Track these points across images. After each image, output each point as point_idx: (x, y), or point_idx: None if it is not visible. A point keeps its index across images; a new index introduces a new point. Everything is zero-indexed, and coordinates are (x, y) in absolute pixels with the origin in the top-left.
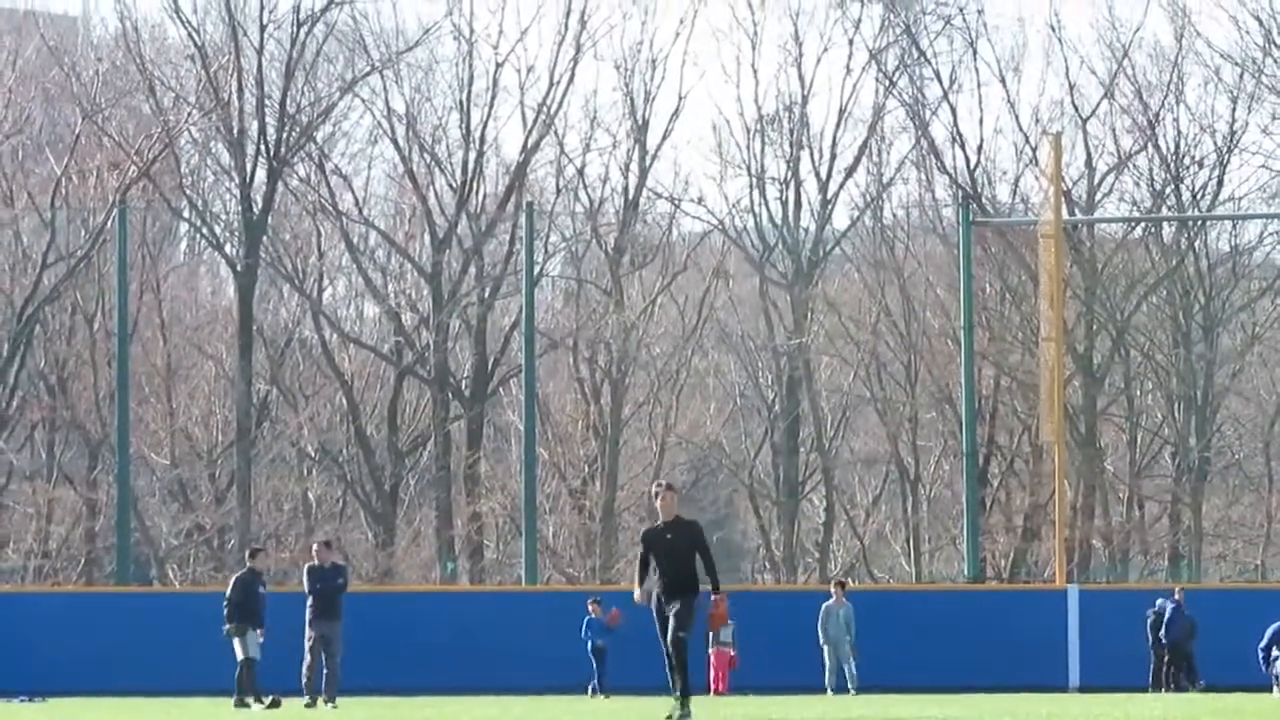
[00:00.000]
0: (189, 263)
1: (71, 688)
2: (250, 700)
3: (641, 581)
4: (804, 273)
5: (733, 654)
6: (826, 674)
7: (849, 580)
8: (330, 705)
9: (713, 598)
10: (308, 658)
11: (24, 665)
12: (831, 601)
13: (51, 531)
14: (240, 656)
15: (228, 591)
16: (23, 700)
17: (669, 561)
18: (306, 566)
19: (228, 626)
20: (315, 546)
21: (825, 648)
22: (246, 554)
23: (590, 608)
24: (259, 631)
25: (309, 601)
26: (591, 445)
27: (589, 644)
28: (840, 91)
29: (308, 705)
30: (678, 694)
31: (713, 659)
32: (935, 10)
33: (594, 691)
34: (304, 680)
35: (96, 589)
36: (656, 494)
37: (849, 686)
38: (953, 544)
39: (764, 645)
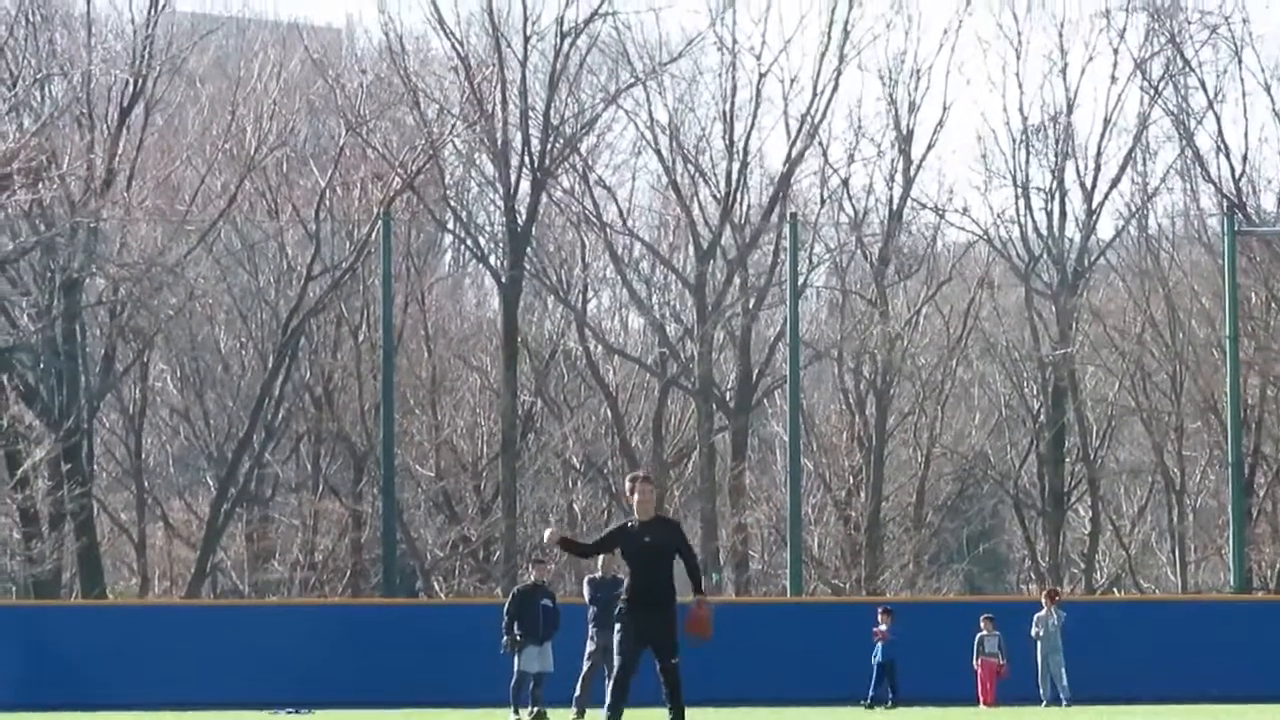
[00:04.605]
0: (453, 274)
1: (336, 699)
2: (521, 712)
3: (575, 548)
4: (1069, 282)
5: (1001, 663)
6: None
7: (1060, 590)
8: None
9: (695, 599)
10: (585, 666)
11: (289, 677)
12: (1042, 612)
13: (317, 543)
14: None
15: (506, 604)
16: (288, 712)
17: (644, 568)
18: (588, 578)
19: (504, 639)
20: (602, 558)
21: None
22: (529, 564)
23: (880, 618)
24: (544, 646)
25: (590, 613)
26: (856, 456)
27: (876, 654)
28: (1105, 101)
29: (577, 716)
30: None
31: (979, 670)
32: (1200, 20)
33: (873, 703)
34: (577, 692)
35: (362, 601)
36: (632, 487)
37: (1061, 698)
38: (1218, 554)
39: (1032, 656)
